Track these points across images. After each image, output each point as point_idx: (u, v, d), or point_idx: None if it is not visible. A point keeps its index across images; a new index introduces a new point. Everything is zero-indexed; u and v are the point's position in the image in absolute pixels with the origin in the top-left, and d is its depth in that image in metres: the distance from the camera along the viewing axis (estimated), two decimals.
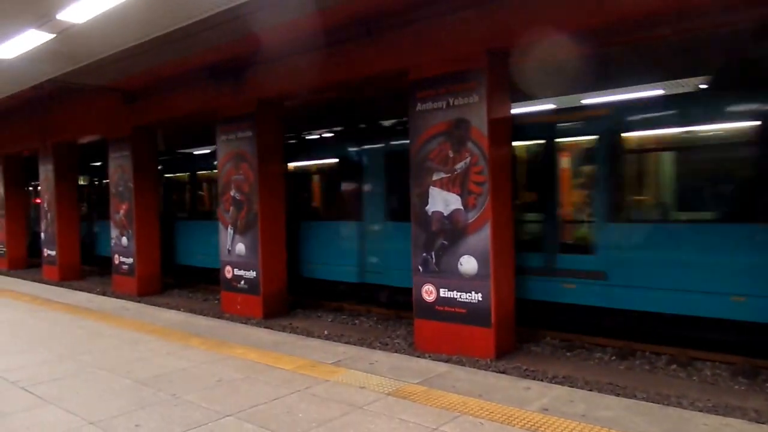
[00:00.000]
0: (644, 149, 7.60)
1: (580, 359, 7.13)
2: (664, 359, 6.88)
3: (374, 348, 7.29)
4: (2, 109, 14.26)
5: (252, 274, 9.99)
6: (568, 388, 5.05)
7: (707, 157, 7.06)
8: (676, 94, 8.59)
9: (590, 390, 5.53)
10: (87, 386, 4.90)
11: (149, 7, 6.61)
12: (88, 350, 6.12)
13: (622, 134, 7.44)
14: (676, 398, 5.50)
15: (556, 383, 5.70)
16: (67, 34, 7.54)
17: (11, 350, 6.19)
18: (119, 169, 13.03)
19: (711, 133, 6.99)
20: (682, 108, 7.23)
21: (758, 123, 6.59)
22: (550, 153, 8.00)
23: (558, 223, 8.01)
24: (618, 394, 5.39)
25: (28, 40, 7.80)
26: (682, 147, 7.14)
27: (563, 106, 9.16)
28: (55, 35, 7.59)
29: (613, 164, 7.43)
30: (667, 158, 7.35)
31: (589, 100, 9.39)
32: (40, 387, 4.87)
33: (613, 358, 7.07)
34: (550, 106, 9.48)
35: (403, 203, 8.43)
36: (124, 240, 12.97)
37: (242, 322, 8.75)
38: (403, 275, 8.60)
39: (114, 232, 13.31)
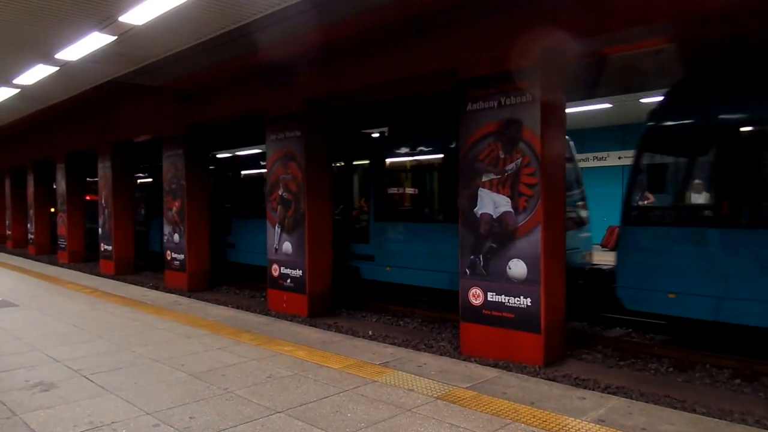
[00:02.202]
0: None
1: (634, 369, 6.88)
2: (726, 373, 6.56)
3: (420, 350, 7.25)
4: (65, 109, 14.88)
5: (298, 272, 10.10)
6: (626, 399, 4.87)
7: None
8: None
9: (646, 402, 5.32)
10: (144, 377, 5.04)
11: (206, 8, 6.76)
12: (144, 342, 6.30)
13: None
14: (740, 415, 5.22)
15: (609, 393, 5.51)
16: (127, 36, 7.80)
17: (73, 340, 6.44)
18: (172, 167, 13.41)
19: None
20: None
21: None
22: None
23: None
24: (676, 408, 5.16)
25: (92, 42, 8.11)
26: None
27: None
28: (116, 37, 7.87)
29: None
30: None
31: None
32: (101, 376, 5.04)
33: (671, 369, 6.79)
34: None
35: None
36: (176, 237, 13.33)
37: (288, 320, 8.85)
38: None
39: (166, 229, 13.70)
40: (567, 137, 9.03)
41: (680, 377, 6.56)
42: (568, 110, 13.41)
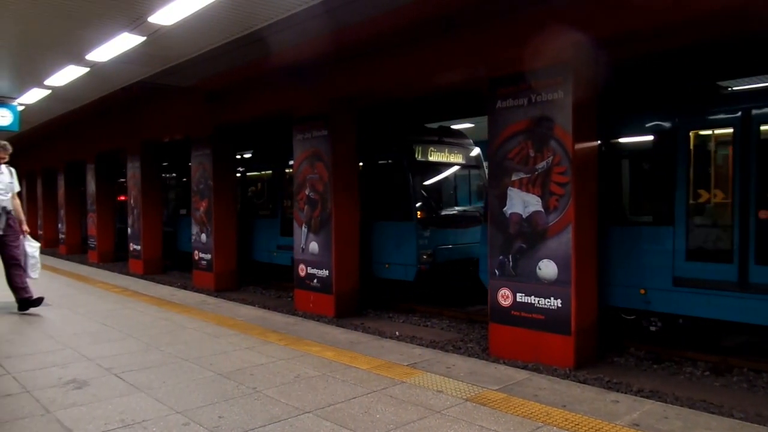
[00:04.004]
0: None
1: (668, 373, 6.71)
2: (765, 377, 6.35)
3: (448, 351, 7.17)
4: (95, 110, 15.15)
5: (325, 272, 10.09)
6: (661, 403, 4.73)
7: None
8: None
9: (681, 406, 5.16)
10: (173, 376, 5.06)
11: (234, 7, 6.79)
12: (173, 341, 6.35)
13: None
14: None
15: (643, 397, 5.36)
16: (156, 37, 7.89)
17: (104, 339, 6.52)
18: (200, 168, 13.53)
19: None
20: None
21: None
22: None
23: None
24: (713, 413, 5.00)
25: (121, 43, 8.23)
26: None
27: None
28: (145, 38, 7.96)
29: None
30: None
31: None
32: (131, 374, 5.08)
33: (706, 373, 6.60)
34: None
35: None
36: (204, 237, 13.46)
37: (315, 320, 8.85)
38: None
39: (194, 229, 13.83)
40: (477, 147, 12.02)
41: (717, 381, 6.37)
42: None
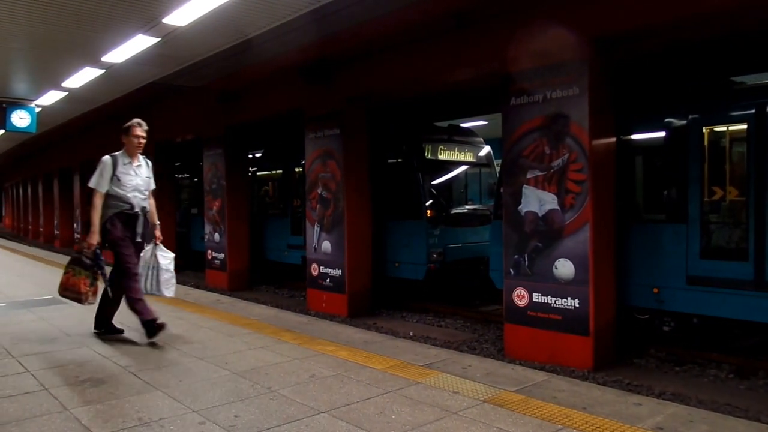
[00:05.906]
0: None
1: (690, 375, 6.58)
2: None
3: (463, 351, 7.10)
4: (109, 111, 15.23)
5: (337, 272, 10.06)
6: (686, 406, 4.62)
7: None
8: None
9: (706, 409, 5.04)
10: (189, 375, 5.05)
11: (248, 8, 6.78)
12: (188, 341, 6.34)
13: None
14: None
15: (665, 400, 5.25)
16: (170, 38, 7.91)
17: (119, 337, 6.53)
18: (213, 167, 13.58)
19: None
20: None
21: None
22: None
23: None
24: (739, 417, 4.88)
25: (136, 44, 8.26)
26: None
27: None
28: (159, 39, 7.99)
29: None
30: None
31: None
32: (147, 373, 5.07)
33: (731, 376, 6.47)
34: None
35: None
36: (217, 236, 13.49)
37: (328, 319, 8.81)
38: None
39: (207, 228, 13.88)
40: (487, 145, 12.15)
41: (742, 384, 6.24)
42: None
